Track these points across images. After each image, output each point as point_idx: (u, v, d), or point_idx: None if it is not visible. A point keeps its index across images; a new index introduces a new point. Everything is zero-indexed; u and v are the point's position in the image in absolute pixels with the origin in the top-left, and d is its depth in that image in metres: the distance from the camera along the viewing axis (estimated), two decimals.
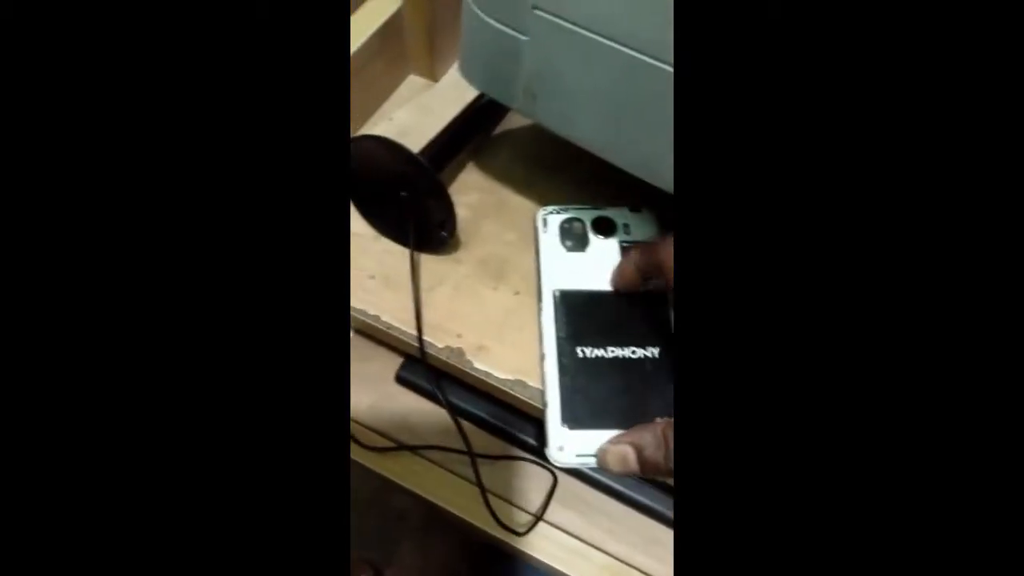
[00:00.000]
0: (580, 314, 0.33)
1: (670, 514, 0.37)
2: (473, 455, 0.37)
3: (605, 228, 0.36)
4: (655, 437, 0.26)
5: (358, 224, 0.39)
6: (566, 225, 0.36)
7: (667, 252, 0.30)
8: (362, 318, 0.36)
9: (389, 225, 0.39)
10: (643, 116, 0.29)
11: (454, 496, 0.37)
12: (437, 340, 0.35)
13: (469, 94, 0.40)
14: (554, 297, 0.34)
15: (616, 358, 0.32)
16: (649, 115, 0.28)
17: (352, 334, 0.42)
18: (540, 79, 0.31)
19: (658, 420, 0.28)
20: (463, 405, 0.38)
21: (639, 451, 0.27)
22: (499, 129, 0.43)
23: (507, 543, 0.37)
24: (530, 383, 0.34)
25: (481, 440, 0.38)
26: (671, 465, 0.26)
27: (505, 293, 0.37)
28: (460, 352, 0.35)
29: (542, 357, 0.32)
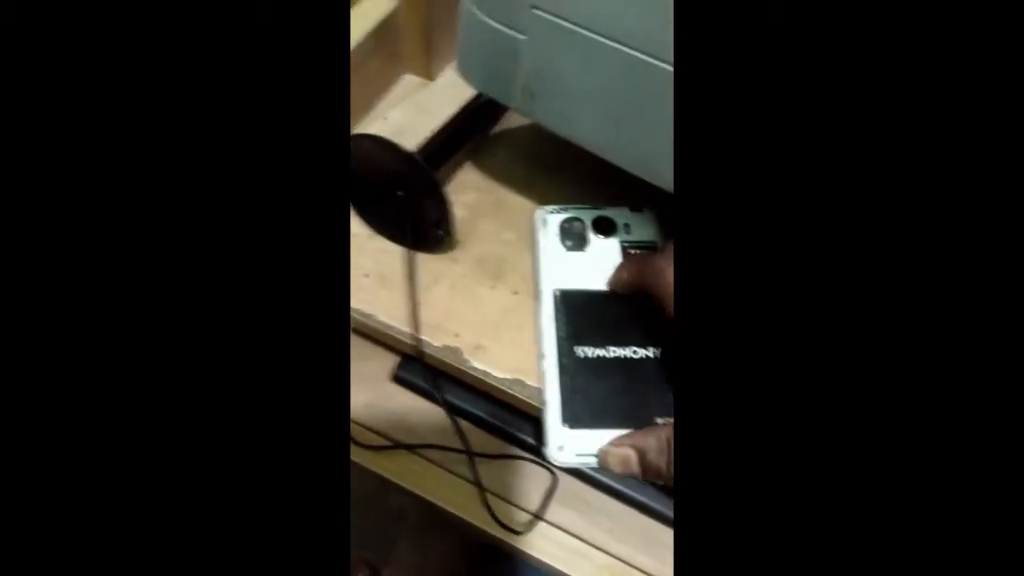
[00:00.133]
0: (580, 314, 0.33)
1: (671, 514, 0.37)
2: (471, 454, 0.37)
3: (605, 228, 0.36)
4: (658, 441, 0.26)
5: (354, 223, 0.39)
6: (566, 225, 0.36)
7: (655, 270, 0.30)
8: (358, 317, 0.36)
9: (385, 224, 0.39)
10: (642, 115, 0.29)
11: (452, 495, 0.37)
12: (434, 339, 0.35)
13: (465, 93, 0.40)
14: (554, 297, 0.34)
15: (616, 358, 0.32)
16: (648, 114, 0.28)
17: None
18: (539, 78, 0.31)
19: (661, 422, 0.28)
20: (461, 404, 0.38)
21: (641, 454, 0.27)
22: (498, 128, 0.43)
23: (506, 542, 0.37)
24: (529, 382, 0.34)
25: (479, 439, 0.38)
26: (672, 470, 0.26)
27: (503, 292, 0.37)
28: (458, 351, 0.35)
29: (541, 356, 0.32)
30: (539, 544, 0.37)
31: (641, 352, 0.32)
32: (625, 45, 0.27)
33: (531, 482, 0.38)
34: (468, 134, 0.40)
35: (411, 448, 0.39)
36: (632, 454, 0.27)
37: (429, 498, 0.38)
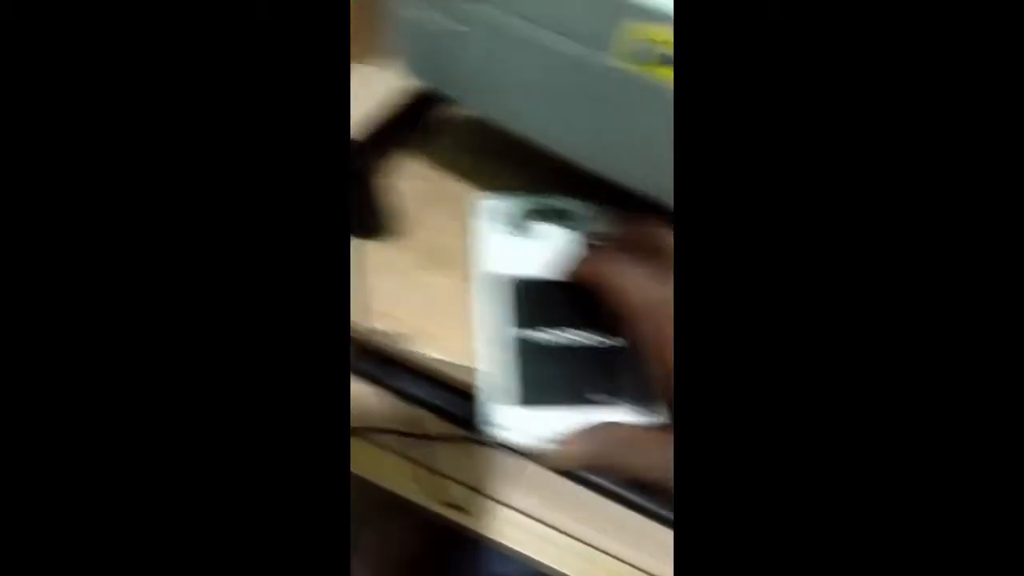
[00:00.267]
0: (523, 298, 0.34)
1: (632, 496, 0.38)
2: (423, 438, 0.38)
3: (547, 215, 0.37)
4: (600, 436, 0.28)
5: None
6: (509, 212, 0.37)
7: (592, 268, 0.31)
8: None
9: None
10: (581, 104, 0.30)
11: (407, 481, 0.38)
12: (382, 326, 0.36)
13: (408, 82, 0.40)
14: (498, 282, 0.34)
15: (559, 341, 0.33)
16: (587, 103, 0.29)
17: None
18: (478, 69, 0.31)
19: (605, 421, 0.29)
20: (410, 390, 0.39)
21: (587, 450, 0.28)
22: (444, 117, 0.43)
23: (465, 527, 0.37)
24: (475, 366, 0.34)
25: (430, 424, 0.39)
26: (616, 463, 0.28)
27: (449, 279, 0.37)
28: (404, 338, 0.35)
29: (487, 341, 0.33)
30: (499, 527, 0.37)
31: (584, 335, 0.33)
32: (564, 35, 0.27)
33: (484, 465, 0.39)
34: (411, 122, 0.41)
35: (363, 435, 0.39)
36: (579, 450, 0.29)
37: (384, 484, 0.38)
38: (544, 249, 0.35)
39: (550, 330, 0.33)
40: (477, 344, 0.34)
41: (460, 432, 0.39)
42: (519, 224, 0.37)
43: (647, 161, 0.30)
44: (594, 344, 0.33)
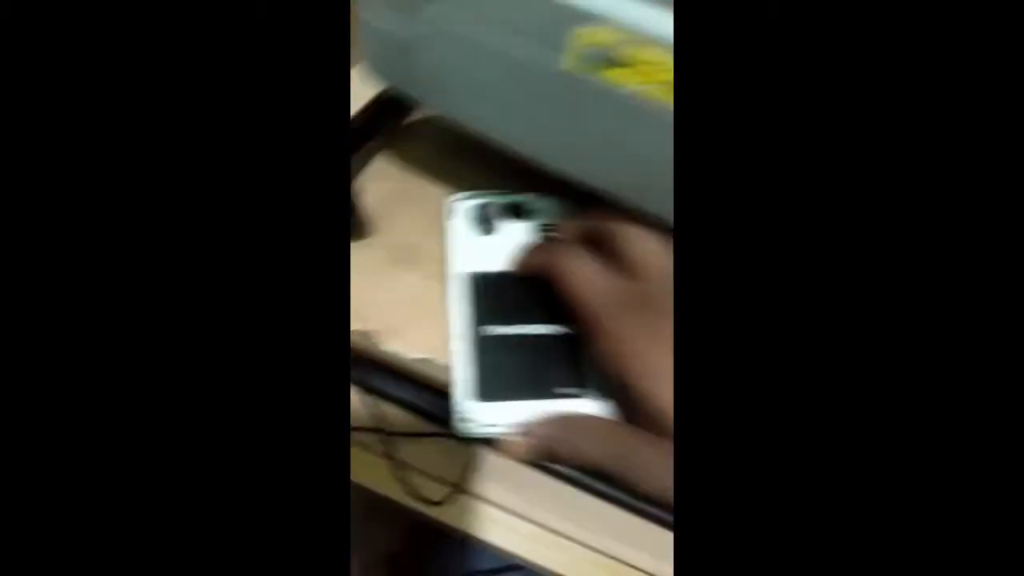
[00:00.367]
0: (489, 295, 0.35)
1: (591, 483, 0.38)
2: (390, 433, 0.38)
3: (514, 213, 0.38)
4: (558, 429, 0.29)
5: None
6: (477, 210, 0.38)
7: (541, 257, 0.32)
8: None
9: None
10: (542, 105, 0.30)
11: (375, 476, 0.39)
12: (354, 325, 0.36)
13: (374, 84, 0.41)
14: (464, 279, 0.35)
15: (522, 335, 0.34)
16: (547, 104, 0.30)
17: None
18: (441, 72, 0.32)
19: (563, 413, 0.30)
20: (378, 386, 0.39)
21: (545, 441, 0.29)
22: (413, 117, 0.44)
23: (444, 523, 0.38)
24: (441, 362, 0.35)
25: (398, 419, 0.40)
26: (573, 455, 0.29)
27: (417, 277, 0.38)
28: (372, 335, 0.36)
29: (453, 336, 0.34)
30: (466, 518, 0.38)
31: (546, 329, 0.34)
32: (520, 39, 0.28)
33: (452, 457, 0.40)
34: (377, 124, 0.41)
35: None
36: (539, 442, 0.30)
37: (360, 481, 0.39)
38: (511, 246, 0.36)
39: (512, 323, 0.34)
40: (443, 340, 0.35)
41: (433, 428, 0.40)
42: (487, 222, 0.37)
43: (602, 159, 0.31)
44: (556, 334, 0.34)
